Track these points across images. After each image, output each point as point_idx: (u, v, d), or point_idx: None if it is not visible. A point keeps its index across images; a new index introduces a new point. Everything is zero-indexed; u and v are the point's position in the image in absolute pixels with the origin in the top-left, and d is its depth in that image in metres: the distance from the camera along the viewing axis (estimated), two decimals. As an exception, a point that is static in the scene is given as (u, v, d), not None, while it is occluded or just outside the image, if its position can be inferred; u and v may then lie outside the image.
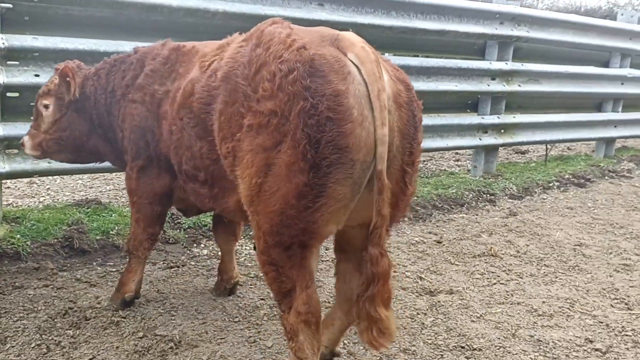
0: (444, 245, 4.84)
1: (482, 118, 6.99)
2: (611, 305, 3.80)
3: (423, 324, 3.39)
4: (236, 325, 3.30)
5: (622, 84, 8.68)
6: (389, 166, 2.14)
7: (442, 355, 3.06)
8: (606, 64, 8.70)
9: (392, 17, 5.83)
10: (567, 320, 3.54)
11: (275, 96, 2.07)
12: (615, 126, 8.79)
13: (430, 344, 3.17)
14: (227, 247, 3.69)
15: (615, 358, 3.11)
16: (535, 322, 3.48)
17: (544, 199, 6.75)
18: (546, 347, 3.19)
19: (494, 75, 6.93)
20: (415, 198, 5.73)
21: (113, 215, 4.68)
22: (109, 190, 5.85)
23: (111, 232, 4.41)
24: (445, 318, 3.47)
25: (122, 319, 3.26)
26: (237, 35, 2.79)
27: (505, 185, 6.87)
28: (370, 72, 2.11)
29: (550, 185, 7.30)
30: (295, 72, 2.04)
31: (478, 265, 4.41)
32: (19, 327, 3.10)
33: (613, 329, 3.44)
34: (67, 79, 3.29)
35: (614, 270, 4.44)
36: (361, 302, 2.24)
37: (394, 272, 4.13)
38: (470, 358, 3.05)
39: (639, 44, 8.68)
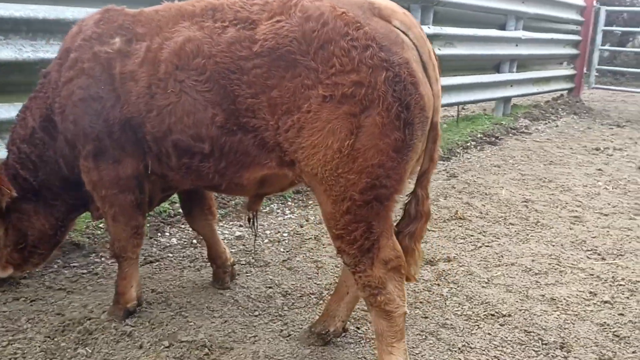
0: (410, 212, 4.86)
1: (409, 82, 7.05)
2: (588, 257, 4.06)
3: (442, 295, 3.38)
4: (259, 319, 3.04)
5: (517, 45, 9.23)
6: None
7: (478, 325, 3.07)
8: (503, 27, 9.18)
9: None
10: (562, 275, 3.72)
11: (358, 70, 2.18)
12: (511, 86, 9.37)
13: (461, 315, 3.17)
14: (209, 229, 3.38)
15: (623, 308, 3.32)
16: (537, 282, 3.61)
17: (469, 158, 7.05)
18: (561, 304, 3.33)
19: (418, 39, 6.99)
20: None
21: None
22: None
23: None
24: (458, 287, 3.48)
25: (132, 328, 2.87)
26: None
27: (432, 148, 7.05)
28: (418, 36, 2.33)
29: (468, 145, 7.63)
30: (370, 48, 2.18)
31: (454, 229, 4.48)
32: (17, 353, 2.61)
33: (606, 280, 3.67)
34: None
35: (571, 223, 4.75)
36: (401, 238, 2.44)
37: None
38: (504, 325, 3.08)
39: (530, 7, 9.25)
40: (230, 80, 2.38)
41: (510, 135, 8.52)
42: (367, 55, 2.17)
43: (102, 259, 3.73)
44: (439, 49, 7.33)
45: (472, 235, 4.37)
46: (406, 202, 2.51)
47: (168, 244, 4.02)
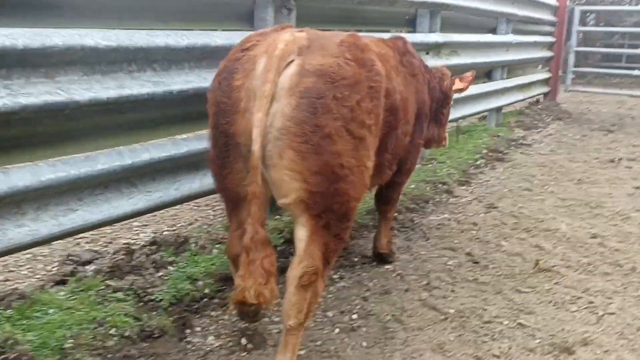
0: (480, 264, 3.98)
1: (421, 98, 6.20)
2: None
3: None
4: None
5: (507, 50, 8.59)
6: None
7: None
8: (493, 31, 8.52)
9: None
10: None
11: None
12: (503, 94, 8.72)
13: None
14: None
15: None
16: None
17: (487, 180, 6.28)
18: None
19: (428, 48, 6.16)
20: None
21: (52, 311, 2.88)
22: (28, 274, 3.72)
23: (66, 346, 2.67)
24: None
25: None
26: None
27: (448, 171, 6.24)
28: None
29: (478, 163, 6.88)
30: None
31: (551, 289, 3.61)
32: None
33: None
34: None
35: (668, 266, 4.02)
36: None
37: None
38: None
39: (519, 9, 8.64)
40: None
41: (513, 148, 7.83)
42: None
43: None
44: (447, 59, 6.51)
45: (579, 298, 3.51)
46: None
47: (206, 348, 2.93)
